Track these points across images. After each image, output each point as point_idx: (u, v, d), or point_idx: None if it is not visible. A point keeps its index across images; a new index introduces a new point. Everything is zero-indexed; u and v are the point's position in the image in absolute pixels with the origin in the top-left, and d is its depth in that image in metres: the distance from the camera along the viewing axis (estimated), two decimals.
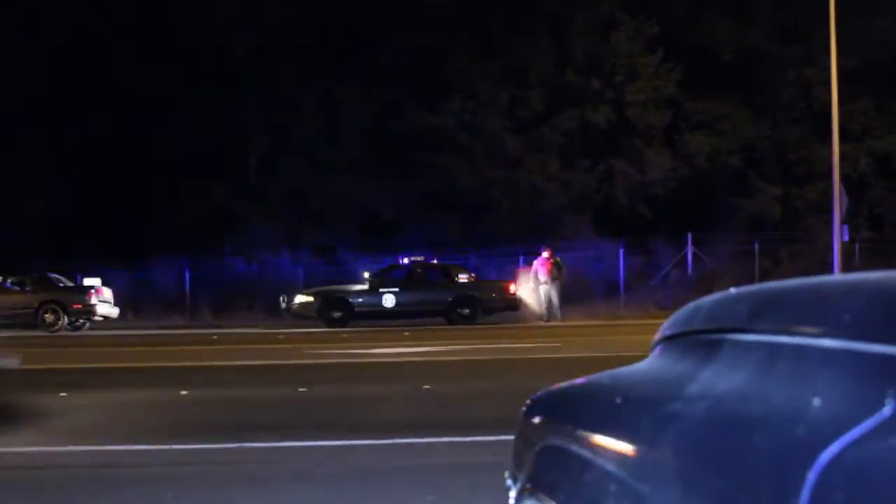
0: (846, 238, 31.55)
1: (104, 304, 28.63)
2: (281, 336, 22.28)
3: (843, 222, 31.26)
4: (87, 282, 29.28)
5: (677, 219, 34.79)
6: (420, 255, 29.06)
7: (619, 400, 1.61)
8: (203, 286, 34.33)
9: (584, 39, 37.83)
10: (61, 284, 28.86)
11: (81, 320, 28.35)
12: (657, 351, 1.82)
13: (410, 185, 36.03)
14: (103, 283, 29.34)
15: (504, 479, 2.01)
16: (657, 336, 1.87)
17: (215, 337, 22.38)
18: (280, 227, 36.67)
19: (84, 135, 36.40)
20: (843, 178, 31.76)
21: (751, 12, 37.15)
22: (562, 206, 37.02)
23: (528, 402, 1.99)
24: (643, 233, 33.98)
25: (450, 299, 27.34)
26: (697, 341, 1.58)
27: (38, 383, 12.28)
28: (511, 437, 5.78)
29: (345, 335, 22.38)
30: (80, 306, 27.94)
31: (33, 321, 27.41)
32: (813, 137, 36.35)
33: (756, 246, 34.26)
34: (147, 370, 13.94)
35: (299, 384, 11.08)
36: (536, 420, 1.90)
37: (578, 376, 1.80)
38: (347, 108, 37.11)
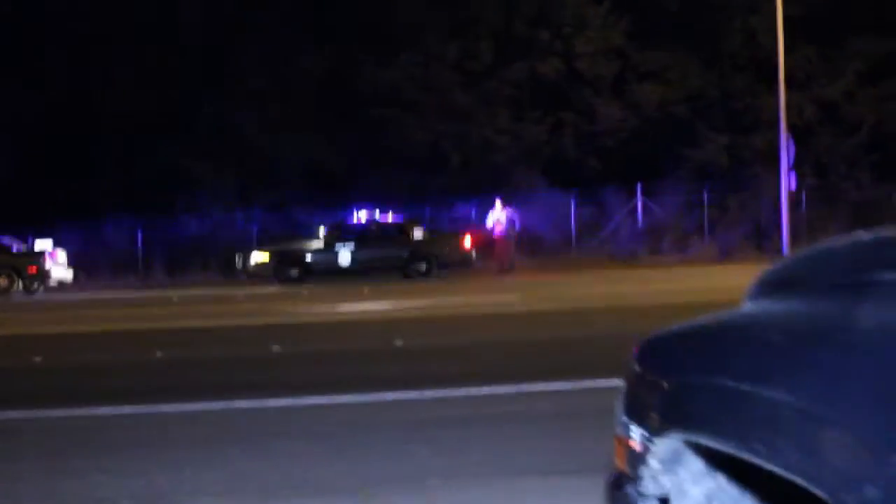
0: (793, 187, 32.04)
1: (59, 267, 28.49)
2: (240, 296, 22.37)
3: (790, 170, 31.77)
4: (40, 244, 29.02)
5: (627, 169, 35.11)
6: (374, 210, 29.15)
7: (778, 337, 1.77)
8: (156, 246, 34.18)
9: None
10: (14, 249, 28.59)
11: (36, 285, 28.17)
12: (772, 295, 1.99)
13: (362, 139, 36.06)
14: (55, 245, 29.11)
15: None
16: (763, 280, 2.05)
17: (175, 299, 22.43)
18: (232, 184, 36.55)
19: (30, 92, 35.92)
20: (790, 126, 32.24)
21: None
22: (513, 159, 37.26)
23: (642, 345, 2.16)
24: (594, 184, 34.30)
25: (406, 255, 27.60)
26: (837, 284, 1.77)
27: (8, 349, 12.38)
28: (492, 390, 6.01)
29: (304, 293, 22.55)
30: (34, 271, 27.76)
31: None
32: (759, 86, 36.77)
33: (705, 195, 34.78)
34: (118, 334, 14.05)
35: (272, 343, 11.26)
36: (664, 361, 2.06)
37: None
38: (298, 63, 36.93)
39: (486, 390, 7.55)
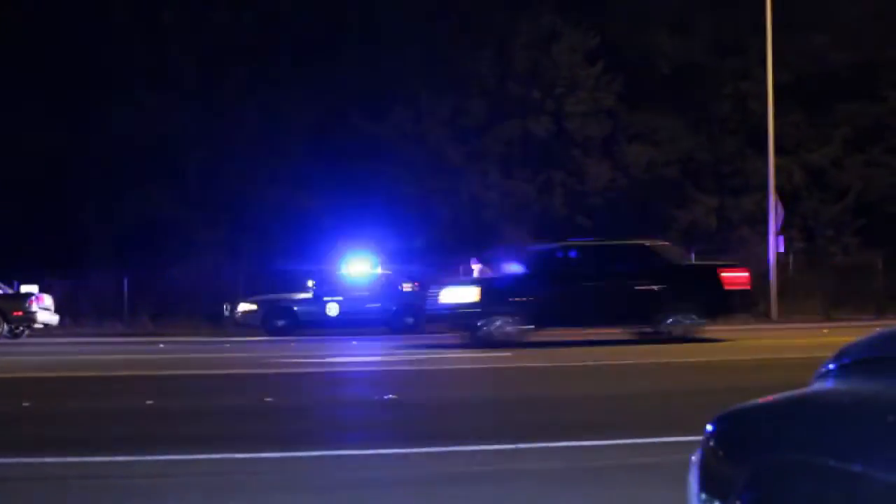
0: (782, 249, 32.17)
1: (45, 311, 28.29)
2: (228, 345, 22.21)
3: (778, 233, 31.90)
4: (26, 289, 28.92)
5: (615, 228, 35.15)
6: (363, 263, 29.12)
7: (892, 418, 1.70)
8: (142, 294, 34.04)
9: (526, 50, 38.20)
10: (1, 291, 28.45)
11: (21, 328, 27.99)
12: (861, 372, 1.93)
13: (351, 193, 36.09)
14: (41, 290, 29.01)
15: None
16: (845, 357, 1.99)
17: (162, 346, 22.24)
18: (220, 235, 36.50)
19: (19, 139, 35.87)
20: (778, 190, 32.45)
21: (689, 26, 37.76)
22: (502, 215, 37.32)
23: (720, 419, 2.07)
24: None
25: (394, 308, 27.53)
26: None
27: None
28: (494, 447, 5.88)
29: (292, 344, 22.39)
30: (20, 313, 27.57)
31: None
32: (748, 149, 37.10)
33: (692, 256, 34.79)
34: (106, 379, 13.86)
35: (264, 394, 11.12)
36: (749, 437, 1.98)
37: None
38: (289, 116, 37.05)
39: (484, 447, 7.41)
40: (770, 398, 2.02)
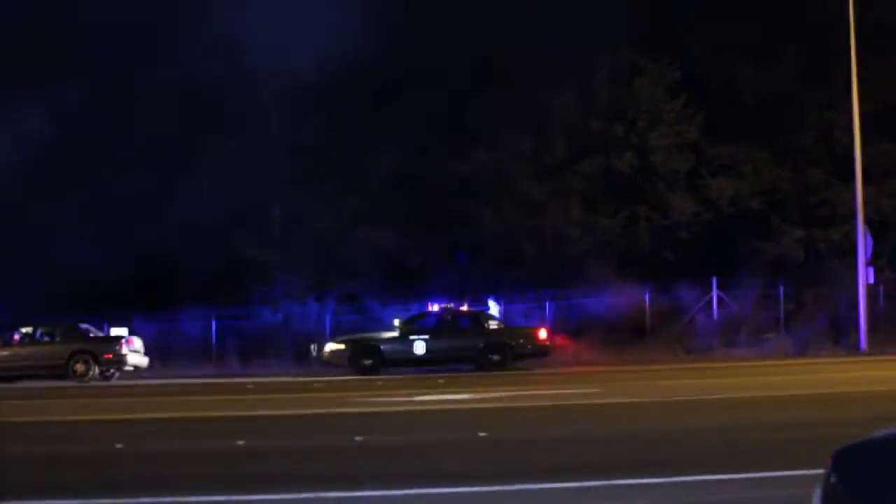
0: (871, 280, 31.49)
1: (134, 353, 28.63)
2: (316, 384, 22.27)
3: (867, 264, 31.24)
4: (115, 331, 29.38)
5: (701, 262, 34.76)
6: (449, 302, 29.12)
7: None
8: (229, 335, 34.40)
9: (607, 86, 38.01)
10: (91, 334, 28.91)
11: (112, 370, 28.36)
12: None
13: (436, 231, 36.11)
14: (130, 333, 29.42)
15: None
16: None
17: (250, 386, 22.39)
18: (306, 276, 36.69)
19: (107, 184, 36.47)
20: (866, 220, 31.80)
21: (772, 56, 37.29)
22: (586, 252, 37.00)
23: (841, 454, 1.98)
24: (668, 277, 33.95)
25: (481, 345, 27.34)
26: None
27: (88, 434, 12.31)
28: (597, 483, 5.73)
29: (379, 383, 22.40)
30: (111, 356, 27.93)
31: (63, 372, 27.40)
32: (834, 179, 36.42)
33: (780, 289, 34.21)
34: (197, 420, 13.94)
35: (354, 433, 11.07)
36: (874, 473, 1.88)
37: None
38: (372, 156, 37.22)
39: (580, 484, 7.28)
40: (885, 432, 1.90)
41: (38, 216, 35.41)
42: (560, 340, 28.83)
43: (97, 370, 27.75)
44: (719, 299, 34.20)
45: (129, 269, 36.34)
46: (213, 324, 34.83)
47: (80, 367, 27.61)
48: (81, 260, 35.42)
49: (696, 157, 38.05)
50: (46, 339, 28.43)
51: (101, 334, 29.23)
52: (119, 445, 10.78)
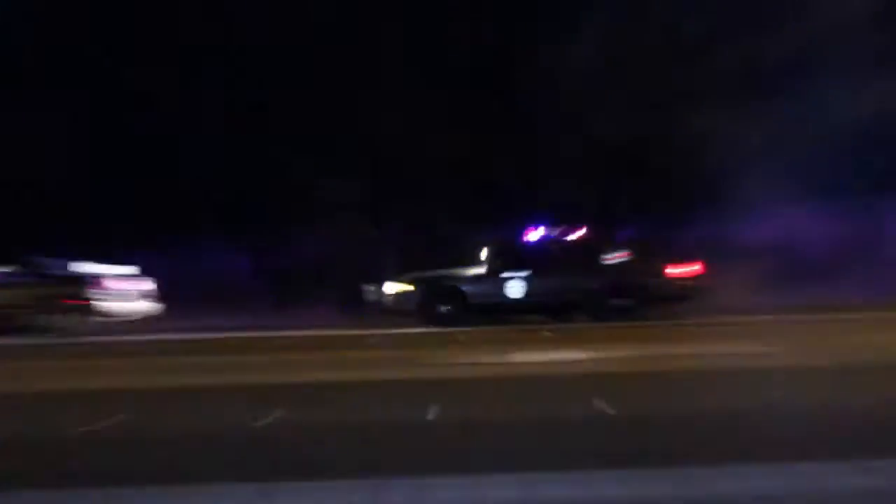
0: None
1: (121, 298, 28.58)
2: (372, 339, 22.01)
3: None
4: (120, 270, 29.33)
5: None
6: (554, 227, 28.38)
7: None
8: (264, 272, 34.60)
9: None
10: (49, 272, 28.61)
11: (82, 319, 28.02)
12: None
13: (529, 135, 35.79)
14: (143, 272, 29.49)
15: None
16: None
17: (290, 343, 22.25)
18: (361, 196, 36.60)
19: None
20: None
21: None
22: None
23: None
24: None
25: (599, 287, 26.76)
26: None
27: (90, 406, 12.05)
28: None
29: (461, 337, 22.00)
30: (72, 301, 27.59)
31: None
32: None
33: None
34: (222, 390, 13.64)
35: (428, 404, 10.70)
36: None
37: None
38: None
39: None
40: None
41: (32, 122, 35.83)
42: (710, 279, 27.76)
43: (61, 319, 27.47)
44: None
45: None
46: (243, 259, 35.00)
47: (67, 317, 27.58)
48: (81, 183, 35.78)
49: None
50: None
51: (66, 273, 28.76)
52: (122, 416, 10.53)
